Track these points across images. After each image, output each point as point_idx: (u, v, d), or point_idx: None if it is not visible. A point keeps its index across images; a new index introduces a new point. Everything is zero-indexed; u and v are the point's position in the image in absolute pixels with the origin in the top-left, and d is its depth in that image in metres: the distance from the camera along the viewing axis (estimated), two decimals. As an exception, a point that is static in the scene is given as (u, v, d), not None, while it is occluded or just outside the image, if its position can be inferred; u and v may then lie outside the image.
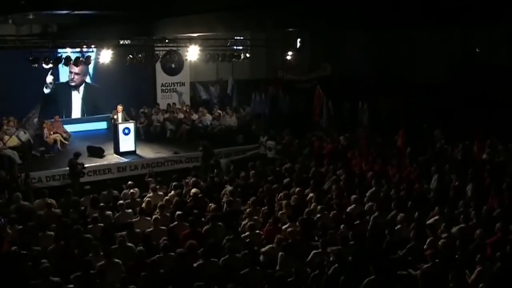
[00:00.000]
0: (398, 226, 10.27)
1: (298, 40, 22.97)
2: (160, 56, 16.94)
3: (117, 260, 8.66)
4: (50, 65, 14.92)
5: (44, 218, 10.78)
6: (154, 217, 10.49)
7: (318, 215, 11.04)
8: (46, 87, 19.72)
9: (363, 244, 9.50)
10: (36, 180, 14.50)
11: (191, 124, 19.41)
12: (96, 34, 15.77)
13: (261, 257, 9.43)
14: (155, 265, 8.26)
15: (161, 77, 22.10)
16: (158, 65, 21.35)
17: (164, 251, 8.95)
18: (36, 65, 14.52)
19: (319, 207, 11.35)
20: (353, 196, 11.80)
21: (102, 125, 20.79)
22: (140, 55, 16.16)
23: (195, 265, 8.59)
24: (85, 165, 15.12)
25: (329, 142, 16.58)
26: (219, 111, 20.24)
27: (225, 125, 19.40)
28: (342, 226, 10.37)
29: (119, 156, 16.61)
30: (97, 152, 16.62)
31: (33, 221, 10.61)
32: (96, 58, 16.31)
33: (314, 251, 9.15)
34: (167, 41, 16.98)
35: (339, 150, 16.11)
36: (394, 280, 8.03)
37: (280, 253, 9.05)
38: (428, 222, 10.27)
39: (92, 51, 15.69)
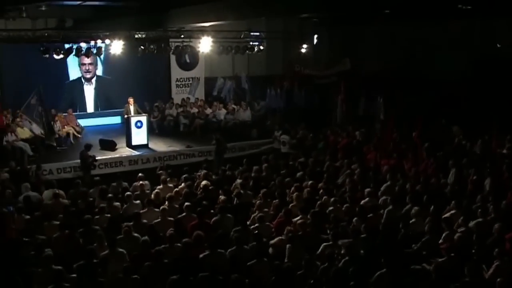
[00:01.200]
0: (413, 220, 9.95)
1: (315, 36, 22.96)
2: (173, 48, 16.68)
3: (121, 250, 8.47)
4: (61, 56, 14.79)
5: (50, 208, 10.63)
6: (161, 208, 10.30)
7: (330, 208, 10.75)
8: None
9: (375, 237, 9.18)
10: (47, 172, 14.40)
11: (204, 119, 19.19)
12: (109, 26, 15.64)
13: (270, 250, 9.19)
14: (159, 255, 8.04)
15: (176, 72, 21.92)
16: (173, 60, 21.32)
17: (170, 241, 8.73)
18: (47, 55, 14.42)
19: (331, 199, 11.04)
20: (367, 190, 11.49)
21: (116, 119, 20.63)
22: (152, 46, 15.93)
23: (201, 256, 8.36)
24: (97, 158, 14.98)
25: (344, 137, 16.26)
26: (233, 105, 19.99)
27: (239, 120, 19.16)
28: (354, 219, 10.07)
29: (131, 149, 16.44)
30: (109, 145, 16.48)
31: (40, 211, 10.45)
32: (107, 50, 16.04)
33: (325, 244, 8.87)
34: (181, 35, 16.74)
35: (354, 145, 15.77)
36: (407, 274, 7.71)
37: (288, 245, 8.79)
38: (444, 216, 9.92)
39: (103, 43, 15.47)
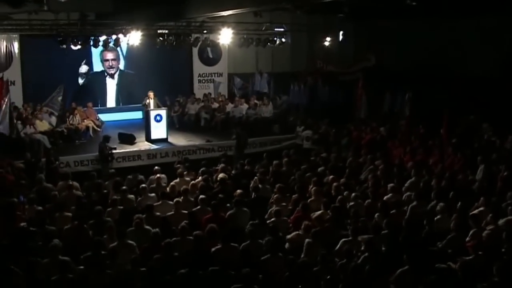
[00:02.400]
0: (438, 217, 9.44)
1: (341, 32, 22.48)
2: (192, 39, 16.37)
3: (130, 242, 8.18)
4: (79, 46, 14.62)
5: (61, 199, 10.41)
6: (175, 200, 9.99)
7: (351, 203, 10.30)
8: (80, 77, 19.58)
9: (398, 234, 8.71)
10: (64, 164, 14.26)
11: (225, 114, 18.86)
12: (128, 19, 15.38)
13: (287, 245, 8.79)
14: (169, 248, 7.70)
15: (198, 67, 21.66)
16: (195, 56, 21.08)
17: (182, 234, 8.40)
18: (65, 46, 14.26)
19: (353, 194, 10.58)
20: (390, 185, 11.03)
21: (138, 114, 20.37)
22: (171, 37, 15.65)
23: (213, 249, 8.01)
24: (115, 151, 14.83)
25: (368, 132, 15.77)
26: (256, 101, 19.61)
27: (261, 115, 18.77)
28: (376, 215, 9.62)
29: (150, 144, 16.20)
30: (128, 139, 16.27)
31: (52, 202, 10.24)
32: (129, 44, 15.85)
33: (344, 239, 8.44)
34: (201, 26, 16.44)
35: (378, 140, 15.28)
36: (430, 272, 7.22)
37: (306, 240, 8.37)
38: (471, 213, 9.39)
39: (122, 35, 15.28)
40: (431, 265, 7.45)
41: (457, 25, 18.55)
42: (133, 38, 15.26)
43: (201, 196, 10.17)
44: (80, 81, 19.56)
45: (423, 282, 7.00)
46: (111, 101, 20.92)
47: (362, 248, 8.19)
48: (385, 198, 10.54)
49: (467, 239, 8.52)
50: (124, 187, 10.92)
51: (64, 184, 11.32)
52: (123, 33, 15.47)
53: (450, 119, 13.95)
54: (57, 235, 8.72)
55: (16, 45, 17.90)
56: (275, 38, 17.33)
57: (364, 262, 7.47)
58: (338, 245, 8.35)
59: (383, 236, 8.58)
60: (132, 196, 10.87)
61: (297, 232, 8.90)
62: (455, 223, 8.84)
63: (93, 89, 20.21)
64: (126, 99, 20.83)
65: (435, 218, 9.34)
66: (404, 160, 13.54)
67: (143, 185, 11.12)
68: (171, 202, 10.21)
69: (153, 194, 10.91)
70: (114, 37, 15.29)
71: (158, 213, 9.67)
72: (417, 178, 11.73)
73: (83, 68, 19.63)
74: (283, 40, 17.66)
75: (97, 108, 19.38)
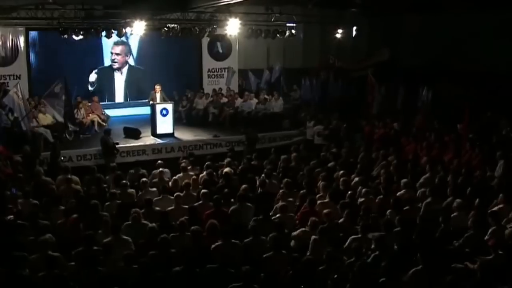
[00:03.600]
0: (455, 214, 8.85)
1: (354, 28, 21.93)
2: (198, 30, 15.89)
3: (125, 237, 7.72)
4: (81, 37, 14.20)
5: (57, 193, 10.00)
6: (175, 194, 9.50)
7: (362, 199, 9.76)
8: (90, 85, 19.26)
9: (411, 231, 8.16)
10: (66, 159, 13.85)
11: (234, 108, 18.36)
12: (133, 11, 14.94)
13: (292, 242, 8.27)
14: (165, 244, 7.21)
15: (208, 62, 21.17)
16: (205, 50, 20.60)
17: (180, 230, 7.92)
18: (66, 36, 13.84)
19: (364, 190, 10.02)
20: (404, 180, 10.46)
21: (146, 110, 19.73)
22: (176, 26, 15.16)
23: (213, 246, 7.52)
24: (120, 146, 14.50)
25: (381, 127, 15.19)
26: (266, 96, 19.07)
27: (271, 110, 18.24)
28: (388, 211, 9.06)
29: (155, 138, 15.75)
30: (133, 134, 15.83)
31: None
32: (135, 34, 15.39)
33: (353, 237, 7.91)
34: (210, 18, 15.98)
35: (392, 136, 14.70)
36: (446, 272, 6.67)
37: (313, 237, 7.85)
38: (491, 210, 8.79)
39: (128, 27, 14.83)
40: (447, 264, 6.92)
41: (474, 19, 17.93)
42: (137, 28, 14.74)
43: (203, 191, 9.69)
44: (90, 88, 19.14)
45: (438, 283, 6.44)
46: (119, 96, 20.51)
47: (373, 246, 7.67)
48: (398, 194, 9.98)
49: (486, 237, 7.95)
50: (124, 181, 10.44)
51: (63, 178, 10.89)
52: (129, 26, 15.03)
53: (470, 115, 13.39)
54: (51, 230, 8.32)
55: (22, 38, 17.53)
56: (285, 30, 16.66)
57: (375, 261, 6.93)
58: (347, 243, 7.82)
59: (395, 233, 8.04)
60: (132, 190, 10.42)
61: (304, 228, 8.38)
62: (473, 220, 8.28)
63: (101, 84, 19.82)
64: (134, 95, 20.40)
65: (452, 216, 8.75)
66: (420, 156, 12.95)
67: (144, 179, 10.64)
68: (172, 197, 9.72)
69: (154, 189, 10.45)
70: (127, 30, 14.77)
71: (157, 208, 9.19)
72: (432, 174, 11.16)
73: (92, 77, 19.34)
74: (293, 31, 17.06)
75: (104, 103, 19.02)
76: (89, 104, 17.05)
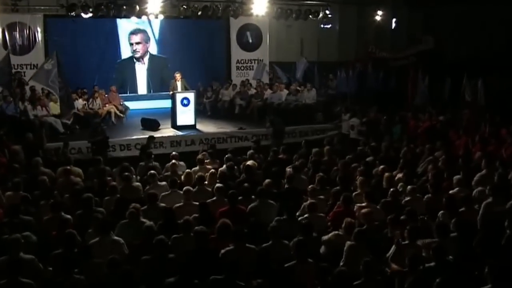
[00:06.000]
0: (523, 217, 7.17)
1: (394, 20, 20.43)
2: (221, 9, 14.45)
3: (116, 238, 6.34)
4: (90, 14, 12.95)
5: (48, 186, 8.70)
6: (185, 189, 8.08)
7: (407, 198, 8.18)
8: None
9: (471, 238, 6.56)
10: (75, 150, 12.63)
11: (263, 100, 16.90)
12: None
13: (322, 248, 6.76)
14: (162, 247, 5.79)
15: (237, 53, 19.81)
16: (234, 40, 19.34)
17: (185, 230, 6.49)
18: (74, 13, 12.59)
19: (408, 187, 8.43)
20: (457, 177, 8.83)
21: (170, 103, 18.70)
22: (196, 5, 13.80)
23: (223, 251, 6.07)
24: (134, 137, 13.40)
25: (426, 120, 13.54)
26: (298, 87, 17.55)
27: (303, 101, 16.72)
28: (440, 213, 7.45)
29: (175, 130, 14.42)
30: (152, 125, 14.55)
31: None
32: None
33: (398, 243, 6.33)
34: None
35: (438, 129, 13.03)
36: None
37: (348, 243, 6.32)
38: None
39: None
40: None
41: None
42: (152, 7, 13.40)
43: (217, 185, 8.26)
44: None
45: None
46: (142, 88, 19.32)
47: (423, 255, 6.12)
48: (451, 192, 8.37)
49: None
50: (127, 173, 9.07)
51: (62, 170, 9.61)
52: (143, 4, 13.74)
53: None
54: (35, 227, 7.03)
55: (39, 26, 16.53)
56: (319, 11, 15.06)
57: (428, 275, 5.37)
58: (390, 251, 6.27)
59: (451, 240, 6.45)
60: (138, 184, 9.08)
61: (337, 232, 6.86)
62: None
63: (123, 77, 18.74)
64: (158, 86, 19.15)
65: (519, 219, 7.10)
66: (472, 151, 11.27)
67: (152, 171, 9.24)
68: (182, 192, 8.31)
69: (163, 183, 9.07)
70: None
71: (162, 204, 7.80)
72: (488, 170, 9.47)
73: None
74: (328, 12, 15.45)
75: (126, 95, 17.94)
76: (106, 95, 15.85)
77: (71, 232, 6.14)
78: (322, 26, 21.19)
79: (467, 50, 18.57)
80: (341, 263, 6.09)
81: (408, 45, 19.59)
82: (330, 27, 20.83)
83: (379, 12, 17.15)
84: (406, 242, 6.36)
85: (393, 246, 6.32)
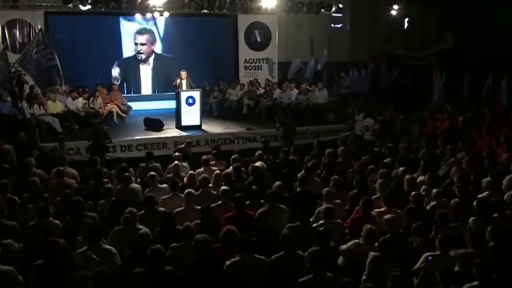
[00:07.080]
0: None
1: (406, 19, 20.18)
2: (228, 2, 13.74)
3: (108, 247, 5.61)
4: (88, 6, 12.25)
5: (38, 188, 7.97)
6: (186, 191, 7.33)
7: (433, 203, 7.39)
8: (114, 80, 17.46)
9: (509, 247, 5.78)
10: (74, 151, 11.98)
11: (272, 100, 16.16)
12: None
13: (340, 259, 5.99)
14: (156, 258, 5.03)
15: (245, 52, 19.11)
16: (241, 39, 18.64)
17: (185, 238, 5.74)
18: (71, 5, 11.91)
19: (434, 191, 7.65)
20: (486, 179, 8.03)
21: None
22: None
23: (228, 262, 5.31)
24: (136, 137, 12.69)
25: (445, 119, 12.75)
26: (308, 87, 16.80)
27: (314, 101, 15.95)
28: (472, 219, 6.66)
29: (180, 131, 13.70)
30: (155, 125, 13.83)
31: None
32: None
33: (427, 254, 5.56)
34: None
35: (460, 128, 12.24)
36: None
37: (372, 254, 5.55)
38: None
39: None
40: None
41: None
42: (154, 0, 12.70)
43: (223, 187, 7.51)
44: (115, 83, 17.33)
45: None
46: (146, 88, 18.67)
47: (456, 268, 5.34)
48: (479, 196, 7.57)
49: None
50: (126, 174, 8.33)
51: (55, 171, 8.90)
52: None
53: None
54: (19, 233, 6.32)
55: (40, 23, 15.89)
56: (331, 4, 14.32)
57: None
58: (420, 262, 5.49)
59: (489, 250, 5.66)
60: (136, 185, 8.33)
61: (356, 240, 6.08)
62: None
63: (126, 76, 18.10)
64: (163, 86, 18.47)
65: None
66: (497, 152, 10.48)
67: (153, 172, 8.51)
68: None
69: (164, 185, 8.33)
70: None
71: (161, 209, 7.06)
72: (519, 172, 8.68)
73: (115, 71, 17.67)
74: (341, 6, 14.71)
75: (130, 95, 17.36)
76: (107, 94, 15.17)
77: (54, 240, 5.40)
78: (332, 25, 20.71)
79: (486, 47, 17.92)
80: (364, 277, 5.33)
81: (429, 44, 18.95)
82: (341, 26, 20.17)
83: (392, 12, 16.38)
84: (437, 252, 5.58)
85: (423, 257, 5.54)
